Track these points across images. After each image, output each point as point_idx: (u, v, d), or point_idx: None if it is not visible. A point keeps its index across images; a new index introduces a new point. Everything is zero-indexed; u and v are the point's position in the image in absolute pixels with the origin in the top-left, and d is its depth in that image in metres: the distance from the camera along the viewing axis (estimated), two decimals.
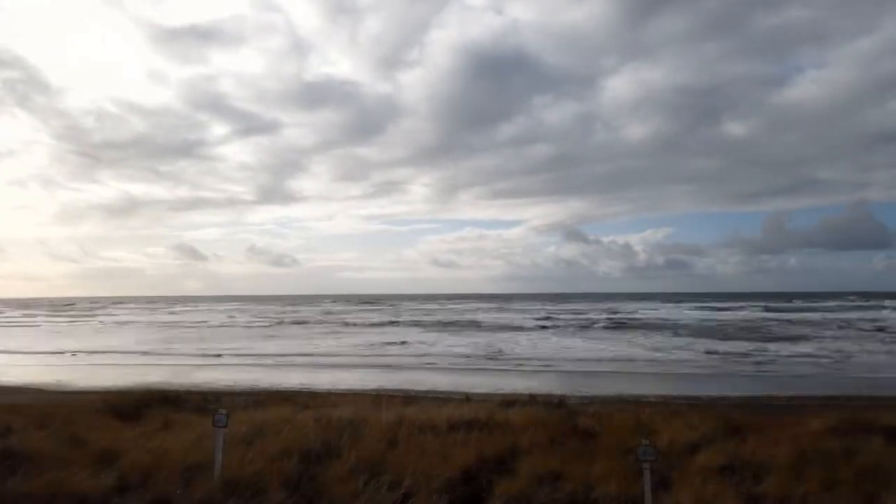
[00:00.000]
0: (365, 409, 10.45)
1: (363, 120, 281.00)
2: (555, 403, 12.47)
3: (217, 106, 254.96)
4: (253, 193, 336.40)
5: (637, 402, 14.40)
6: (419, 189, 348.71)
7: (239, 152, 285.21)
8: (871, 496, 5.99)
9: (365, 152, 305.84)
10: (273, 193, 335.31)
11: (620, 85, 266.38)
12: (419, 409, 10.97)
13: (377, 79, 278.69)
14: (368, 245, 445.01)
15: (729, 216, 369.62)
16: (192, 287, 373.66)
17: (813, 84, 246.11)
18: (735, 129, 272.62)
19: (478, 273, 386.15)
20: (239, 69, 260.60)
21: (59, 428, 8.97)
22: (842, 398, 16.70)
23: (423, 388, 19.19)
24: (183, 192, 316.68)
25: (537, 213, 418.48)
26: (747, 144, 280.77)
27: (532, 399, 12.94)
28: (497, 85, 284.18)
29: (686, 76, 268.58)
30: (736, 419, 9.78)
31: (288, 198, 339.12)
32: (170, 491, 6.11)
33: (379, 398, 13.97)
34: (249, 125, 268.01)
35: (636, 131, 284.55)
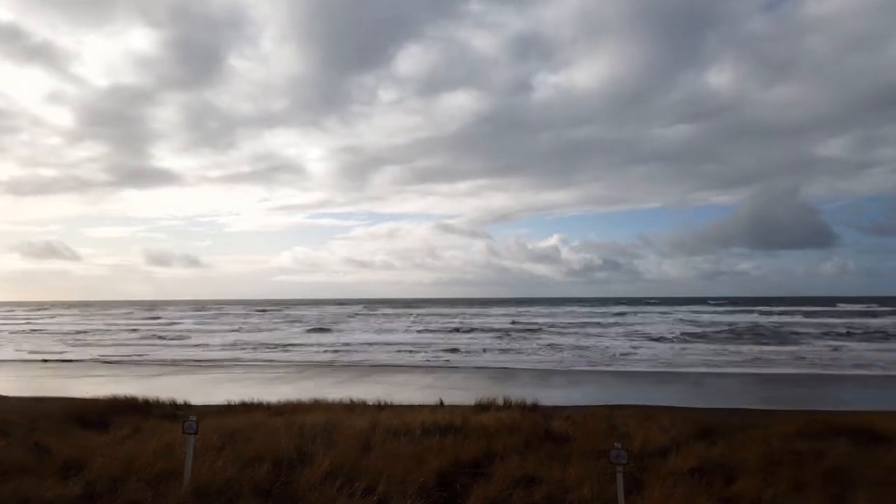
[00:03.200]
0: (338, 415, 10.36)
1: (195, 49, 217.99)
2: (529, 407, 12.52)
3: None
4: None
5: (611, 407, 14.52)
6: (316, 167, 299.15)
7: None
8: (838, 496, 6.12)
9: (215, 99, 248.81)
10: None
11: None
12: (393, 413, 10.92)
13: None
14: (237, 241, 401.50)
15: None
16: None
17: None
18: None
19: (393, 275, 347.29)
20: None
21: (22, 436, 8.73)
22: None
23: None
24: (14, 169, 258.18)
25: (469, 205, 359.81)
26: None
27: (507, 403, 12.97)
28: None
29: None
30: (707, 422, 9.94)
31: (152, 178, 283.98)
32: (139, 499, 5.96)
33: (352, 404, 13.88)
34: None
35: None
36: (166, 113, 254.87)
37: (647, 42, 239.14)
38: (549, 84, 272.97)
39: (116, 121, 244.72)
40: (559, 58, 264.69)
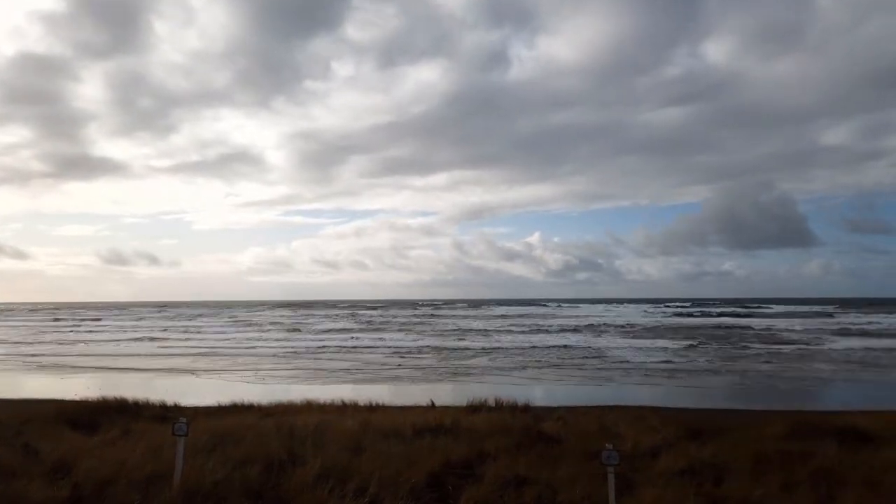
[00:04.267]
0: (330, 416, 10.34)
1: (108, 6, 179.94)
2: (520, 408, 12.53)
3: None
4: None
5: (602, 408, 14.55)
6: (275, 158, 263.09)
7: None
8: (827, 496, 6.17)
9: (143, 71, 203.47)
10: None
11: None
12: (384, 414, 10.91)
13: None
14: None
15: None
16: None
17: None
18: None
19: (367, 276, 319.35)
20: None
21: (10, 438, 8.65)
22: None
23: None
24: None
25: (446, 200, 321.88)
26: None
27: (498, 404, 12.98)
28: None
29: None
30: (696, 423, 9.99)
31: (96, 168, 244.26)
32: (127, 502, 5.93)
33: (344, 405, 13.85)
34: None
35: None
36: (90, 89, 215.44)
37: (635, 5, 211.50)
38: (527, 58, 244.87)
39: (35, 98, 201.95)
40: (537, 23, 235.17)
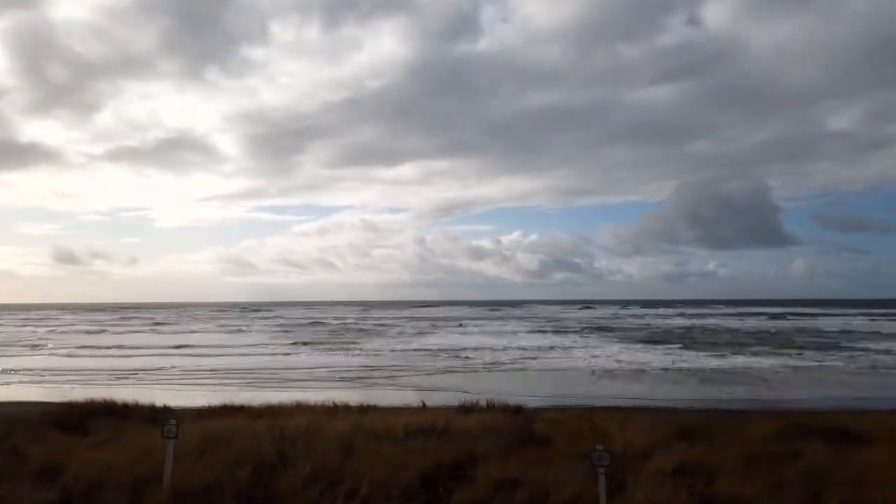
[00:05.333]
0: (321, 418, 10.30)
1: None
2: (512, 410, 12.54)
3: None
4: None
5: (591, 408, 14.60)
6: (223, 145, 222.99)
7: None
8: (815, 495, 6.22)
9: (40, 27, 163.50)
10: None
11: None
12: (376, 416, 10.88)
13: None
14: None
15: None
16: None
17: None
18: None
19: (337, 276, 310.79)
20: None
21: None
22: None
23: None
24: None
25: (420, 196, 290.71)
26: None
27: (490, 405, 12.99)
28: None
29: None
30: (687, 423, 10.03)
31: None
32: None
33: (335, 407, 13.81)
34: None
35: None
36: None
37: None
38: (499, 22, 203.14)
39: None
40: None
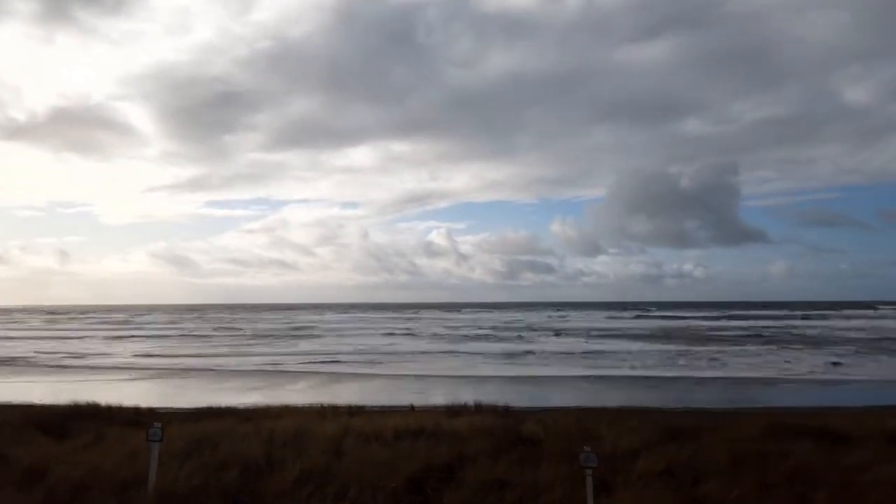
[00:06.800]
0: (310, 420, 10.24)
1: None
2: (501, 411, 12.53)
3: None
4: None
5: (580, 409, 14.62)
6: (133, 119, 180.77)
7: None
8: (803, 495, 6.25)
9: None
10: None
11: None
12: (365, 419, 10.84)
13: None
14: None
15: None
16: None
17: None
18: None
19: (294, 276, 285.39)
20: None
21: None
22: None
23: None
24: None
25: (382, 186, 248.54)
26: None
27: (478, 407, 12.98)
28: None
29: None
30: (675, 424, 10.06)
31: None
32: None
33: (323, 409, 13.74)
34: None
35: None
36: None
37: None
38: None
39: None
40: None
